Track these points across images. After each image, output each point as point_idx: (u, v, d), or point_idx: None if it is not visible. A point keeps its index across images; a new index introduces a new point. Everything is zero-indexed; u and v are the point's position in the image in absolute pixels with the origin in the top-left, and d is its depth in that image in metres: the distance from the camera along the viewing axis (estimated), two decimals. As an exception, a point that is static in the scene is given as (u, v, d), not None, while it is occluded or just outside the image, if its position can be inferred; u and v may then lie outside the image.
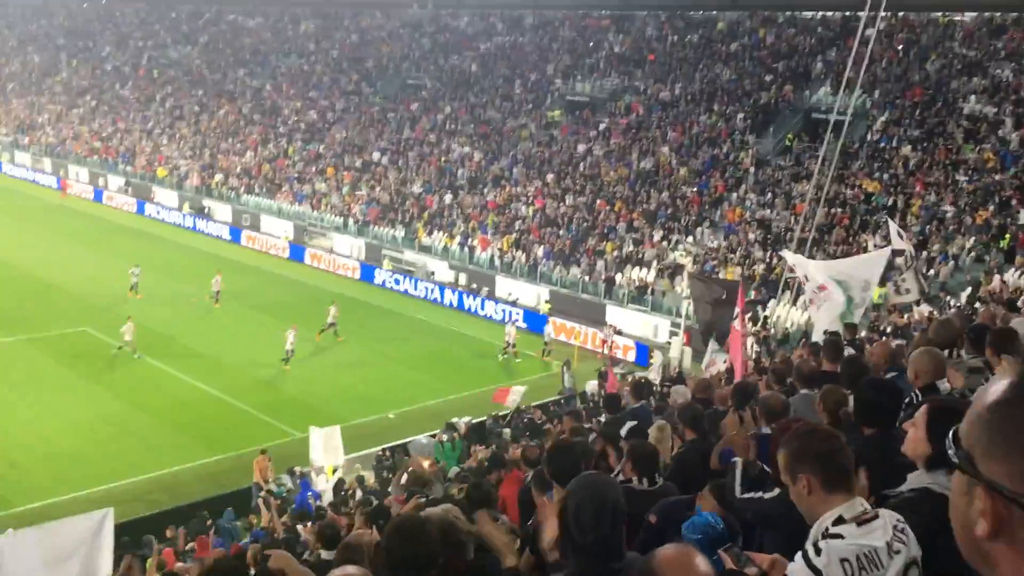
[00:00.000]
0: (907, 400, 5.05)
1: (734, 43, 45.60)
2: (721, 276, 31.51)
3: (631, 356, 30.36)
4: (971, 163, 31.92)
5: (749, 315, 24.51)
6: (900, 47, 39.65)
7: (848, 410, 5.14)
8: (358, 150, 49.69)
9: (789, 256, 20.12)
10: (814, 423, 4.09)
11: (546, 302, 34.06)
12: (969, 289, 25.46)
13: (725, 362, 19.04)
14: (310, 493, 17.74)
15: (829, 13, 44.13)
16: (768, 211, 34.27)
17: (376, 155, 48.64)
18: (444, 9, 60.91)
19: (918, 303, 20.83)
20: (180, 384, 25.87)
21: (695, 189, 37.08)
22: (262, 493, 17.48)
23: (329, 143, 51.33)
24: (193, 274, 37.36)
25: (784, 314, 28.50)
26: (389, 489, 16.70)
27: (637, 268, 34.23)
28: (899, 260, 18.86)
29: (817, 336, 15.12)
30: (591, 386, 24.32)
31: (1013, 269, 26.34)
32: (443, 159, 46.06)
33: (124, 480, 19.89)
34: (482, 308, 35.22)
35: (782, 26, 45.25)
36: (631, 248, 35.27)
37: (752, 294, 28.65)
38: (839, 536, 2.75)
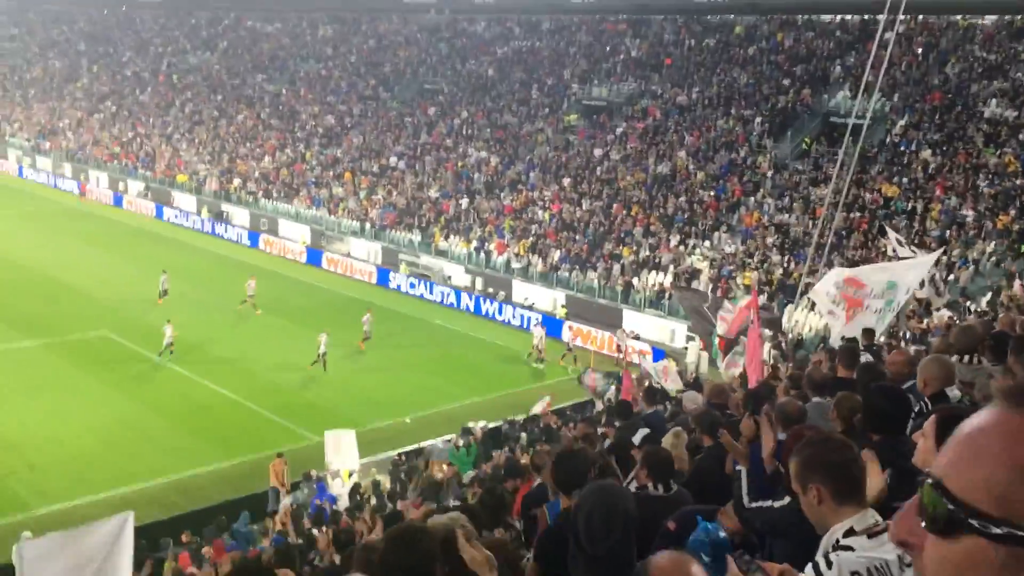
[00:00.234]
0: (916, 409, 4.99)
1: (752, 47, 45.42)
2: (738, 281, 31.44)
3: (648, 361, 30.21)
4: (991, 167, 31.64)
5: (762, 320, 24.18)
6: (919, 50, 39.34)
7: (862, 417, 5.09)
8: (375, 155, 49.84)
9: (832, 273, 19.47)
10: (828, 432, 4.05)
11: (562, 306, 34.00)
12: (989, 294, 25.20)
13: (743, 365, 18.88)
14: (326, 497, 17.77)
15: (848, 17, 43.87)
16: (786, 215, 34.09)
17: (393, 160, 48.78)
18: (461, 14, 61.04)
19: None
20: (198, 388, 25.99)
21: (712, 193, 36.93)
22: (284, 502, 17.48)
23: (346, 148, 51.52)
24: (211, 278, 37.53)
25: (802, 319, 28.31)
26: (408, 493, 16.75)
27: (654, 272, 34.10)
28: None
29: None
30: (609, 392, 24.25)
31: (1034, 274, 26.08)
32: (460, 164, 46.12)
33: (142, 483, 20.02)
34: (499, 313, 35.22)
35: (800, 30, 45.02)
36: (648, 252, 35.16)
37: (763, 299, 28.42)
38: (850, 548, 2.72)
